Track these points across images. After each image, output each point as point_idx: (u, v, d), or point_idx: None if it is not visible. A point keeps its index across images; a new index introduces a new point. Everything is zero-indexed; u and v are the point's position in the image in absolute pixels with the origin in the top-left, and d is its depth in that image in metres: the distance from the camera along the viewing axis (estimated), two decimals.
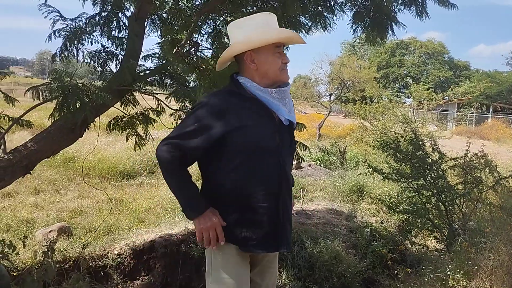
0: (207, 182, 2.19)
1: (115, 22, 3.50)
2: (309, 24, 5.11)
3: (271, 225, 2.13)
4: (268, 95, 2.11)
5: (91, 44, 3.41)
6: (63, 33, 3.23)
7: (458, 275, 3.85)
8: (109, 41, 3.48)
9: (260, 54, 2.12)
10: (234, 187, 2.08)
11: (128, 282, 5.80)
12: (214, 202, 2.11)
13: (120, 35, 3.59)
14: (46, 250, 3.43)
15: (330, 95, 29.99)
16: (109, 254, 5.96)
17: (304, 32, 5.04)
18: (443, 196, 5.54)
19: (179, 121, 4.07)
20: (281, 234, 2.17)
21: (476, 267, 3.76)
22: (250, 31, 2.13)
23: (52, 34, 3.24)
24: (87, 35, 3.33)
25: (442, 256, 4.76)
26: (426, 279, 4.09)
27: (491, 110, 35.73)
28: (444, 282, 3.91)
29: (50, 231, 6.37)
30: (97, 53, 3.48)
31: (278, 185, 2.14)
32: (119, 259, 5.96)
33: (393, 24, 4.86)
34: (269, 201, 2.11)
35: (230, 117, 2.04)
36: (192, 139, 2.03)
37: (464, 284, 3.80)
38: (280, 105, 2.14)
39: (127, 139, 4.27)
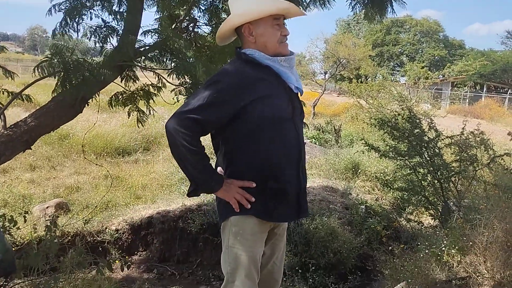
0: (226, 155, 2.15)
1: None
2: (308, 1, 5.06)
3: (294, 193, 2.14)
4: (277, 64, 2.10)
5: (91, 19, 3.37)
6: (63, 7, 3.19)
7: (453, 251, 3.92)
8: (109, 16, 3.44)
9: (258, 26, 2.09)
10: (256, 158, 2.07)
11: (126, 257, 5.87)
12: (236, 175, 2.10)
13: (120, 10, 3.55)
14: (49, 224, 3.45)
15: (325, 73, 29.85)
16: (107, 229, 6.02)
17: (302, 9, 4.99)
18: (438, 173, 5.59)
19: (182, 95, 4.04)
20: (303, 201, 2.19)
21: (470, 243, 3.82)
22: (247, 3, 2.11)
23: (52, 8, 3.20)
24: (88, 10, 3.29)
25: (437, 232, 4.83)
26: (421, 255, 4.16)
27: (485, 89, 35.76)
28: (439, 257, 3.98)
29: (47, 207, 6.41)
30: (98, 28, 3.44)
31: (298, 152, 2.15)
32: (117, 234, 6.03)
33: (393, 0, 4.82)
34: (291, 168, 2.12)
35: (249, 89, 2.02)
36: (210, 112, 1.99)
37: (459, 259, 3.87)
38: (289, 73, 2.13)
39: (128, 115, 4.25)
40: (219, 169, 2.19)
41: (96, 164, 7.78)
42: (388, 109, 10.86)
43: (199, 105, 1.99)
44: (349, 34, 33.98)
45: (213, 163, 2.20)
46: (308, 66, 29.53)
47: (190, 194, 2.14)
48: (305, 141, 10.99)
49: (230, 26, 2.16)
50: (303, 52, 34.53)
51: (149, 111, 4.16)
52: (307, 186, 6.94)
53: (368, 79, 25.41)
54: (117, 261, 5.16)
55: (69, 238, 5.53)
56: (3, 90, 3.53)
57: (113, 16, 3.42)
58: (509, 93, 32.70)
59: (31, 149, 3.46)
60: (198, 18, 4.93)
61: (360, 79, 19.32)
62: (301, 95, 2.26)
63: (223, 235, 2.16)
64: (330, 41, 27.49)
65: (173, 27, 4.29)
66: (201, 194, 2.40)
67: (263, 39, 2.10)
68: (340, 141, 12.89)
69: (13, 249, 4.63)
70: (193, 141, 1.98)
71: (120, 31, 3.57)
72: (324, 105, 25.72)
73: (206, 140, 2.18)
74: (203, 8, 4.68)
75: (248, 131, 2.05)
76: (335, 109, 23.82)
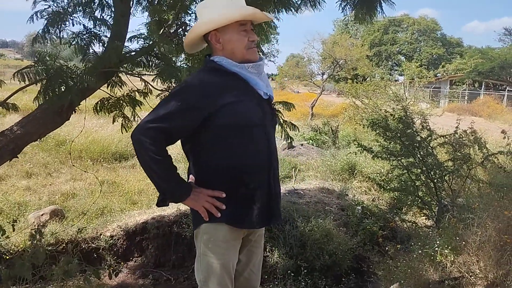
0: (195, 162, 2.16)
1: (97, 1, 3.44)
2: (299, 2, 5.04)
3: (265, 199, 2.12)
4: (245, 70, 2.10)
5: (73, 25, 3.35)
6: (45, 15, 3.18)
7: (446, 251, 3.90)
8: (92, 21, 3.43)
9: (224, 33, 2.09)
10: (225, 165, 2.06)
11: (121, 263, 5.86)
12: (205, 182, 2.09)
13: (103, 15, 3.54)
14: (33, 233, 3.43)
15: (323, 74, 29.83)
16: (101, 236, 6.00)
17: (293, 10, 4.98)
18: (432, 173, 5.57)
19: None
20: (274, 207, 2.17)
21: (463, 242, 3.80)
22: (214, 10, 2.11)
23: (34, 15, 3.19)
24: (69, 16, 3.27)
25: (430, 232, 4.81)
26: (414, 255, 4.14)
27: (483, 86, 35.76)
28: (432, 257, 3.96)
29: (42, 214, 6.39)
30: (80, 35, 3.43)
31: (268, 158, 2.13)
32: (111, 240, 6.01)
33: (382, 1, 4.81)
34: (261, 174, 2.11)
35: (214, 96, 2.01)
36: (175, 121, 1.98)
37: (452, 259, 3.85)
38: (258, 79, 2.13)
39: (113, 121, 4.26)
40: (191, 176, 2.18)
41: (85, 171, 7.76)
42: (383, 109, 10.82)
43: (163, 114, 1.99)
44: (346, 34, 33.96)
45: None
46: (306, 67, 29.54)
47: (159, 204, 2.14)
48: (302, 142, 11.05)
49: (196, 34, 2.16)
50: (300, 53, 34.59)
51: (134, 117, 4.16)
52: (303, 188, 6.88)
53: (367, 79, 25.41)
54: (112, 268, 5.16)
55: (63, 245, 5.50)
56: None
57: (93, 22, 3.41)
58: (508, 90, 32.68)
59: (18, 157, 3.44)
60: (188, 22, 4.92)
61: (357, 79, 19.29)
62: (271, 101, 2.26)
63: (196, 243, 2.16)
64: (327, 42, 27.49)
65: (161, 32, 4.28)
66: None
67: (230, 46, 2.10)
68: (337, 142, 12.86)
69: (6, 257, 4.63)
70: (157, 150, 1.97)
71: (103, 37, 3.57)
72: (322, 106, 25.73)
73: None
74: (191, 12, 4.67)
75: (215, 138, 2.04)
76: (333, 109, 23.81)
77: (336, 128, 13.97)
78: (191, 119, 2.01)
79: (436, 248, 3.98)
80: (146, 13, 4.69)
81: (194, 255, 5.90)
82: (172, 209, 6.58)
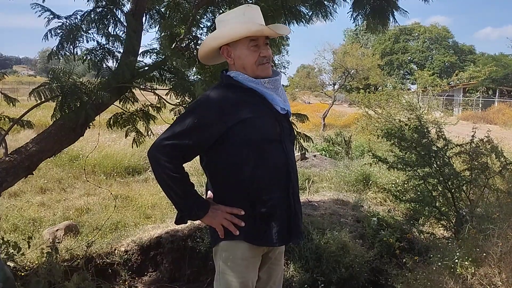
0: (213, 179, 2.14)
1: (110, 18, 3.47)
2: (310, 13, 5.05)
3: (284, 216, 2.08)
4: (261, 86, 2.08)
5: (87, 42, 3.38)
6: (59, 32, 3.21)
7: (466, 263, 3.82)
8: (105, 38, 3.45)
9: (235, 48, 2.09)
10: (243, 181, 2.03)
11: (136, 278, 5.83)
12: (223, 199, 2.08)
13: (116, 31, 3.57)
14: (50, 250, 3.43)
15: (334, 84, 29.82)
16: (116, 251, 5.98)
17: (305, 21, 4.99)
18: (449, 183, 5.49)
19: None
20: (294, 224, 2.13)
21: (484, 254, 3.72)
22: (226, 25, 2.12)
23: (48, 33, 3.22)
24: (83, 33, 3.30)
25: (449, 243, 4.72)
26: (434, 268, 4.06)
27: (497, 94, 35.47)
28: (452, 270, 3.88)
29: (57, 230, 6.40)
30: (93, 51, 3.45)
31: (287, 174, 2.10)
32: (126, 256, 5.98)
33: (394, 10, 4.79)
34: (280, 191, 2.08)
35: (231, 112, 2.00)
36: (191, 138, 1.98)
37: (473, 271, 3.76)
38: (274, 95, 2.11)
39: (126, 136, 4.28)
40: (209, 193, 2.16)
41: (99, 187, 7.78)
42: (397, 119, 10.75)
43: (179, 131, 1.99)
44: (357, 44, 34.00)
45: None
46: (317, 78, 29.58)
47: (177, 221, 2.14)
48: (315, 153, 10.99)
49: (208, 48, 2.17)
50: (311, 64, 34.68)
51: (147, 132, 4.17)
52: (317, 200, 6.81)
53: (379, 88, 25.34)
54: (127, 283, 5.14)
55: (78, 261, 5.49)
56: (3, 116, 3.55)
57: (106, 39, 3.43)
58: None
59: (33, 174, 3.45)
60: (200, 36, 4.94)
61: (369, 89, 19.25)
62: (289, 116, 2.24)
63: (215, 261, 2.13)
64: (338, 52, 27.54)
65: (173, 46, 4.30)
66: None
67: (240, 61, 2.10)
68: (350, 153, 12.78)
69: (21, 274, 4.62)
70: (174, 167, 1.97)
71: (117, 53, 3.59)
72: (334, 116, 25.69)
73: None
74: (202, 26, 4.70)
75: (232, 155, 2.03)
76: (345, 119, 23.75)
77: (349, 139, 13.88)
78: (207, 136, 1.99)
79: (456, 260, 3.90)
80: (158, 28, 4.75)
81: (209, 269, 5.86)
82: (186, 222, 6.53)
